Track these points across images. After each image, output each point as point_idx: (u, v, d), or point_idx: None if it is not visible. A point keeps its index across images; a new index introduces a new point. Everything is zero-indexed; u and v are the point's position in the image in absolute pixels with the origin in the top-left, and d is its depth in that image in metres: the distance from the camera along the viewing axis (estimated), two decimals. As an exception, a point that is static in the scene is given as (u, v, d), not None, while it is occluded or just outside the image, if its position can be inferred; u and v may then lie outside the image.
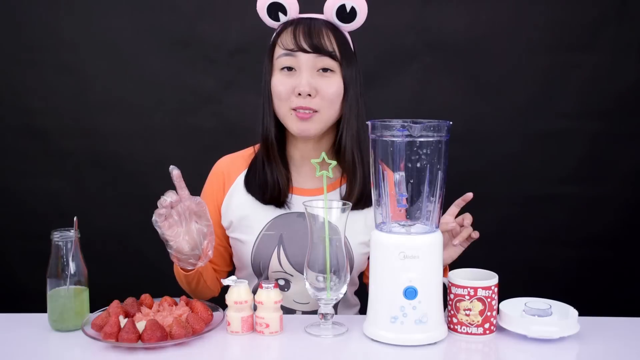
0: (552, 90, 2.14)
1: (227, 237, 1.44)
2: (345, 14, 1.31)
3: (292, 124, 1.32)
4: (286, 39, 1.29)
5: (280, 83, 1.31)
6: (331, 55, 1.29)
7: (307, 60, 1.28)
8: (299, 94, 1.28)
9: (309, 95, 1.28)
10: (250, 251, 1.36)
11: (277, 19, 1.33)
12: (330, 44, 1.29)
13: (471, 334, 1.13)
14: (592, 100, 2.14)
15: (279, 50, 1.31)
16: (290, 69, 1.30)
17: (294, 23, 1.31)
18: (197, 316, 1.13)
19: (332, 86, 1.30)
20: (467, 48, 2.13)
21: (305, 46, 1.27)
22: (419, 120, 1.10)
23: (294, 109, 1.30)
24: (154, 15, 2.13)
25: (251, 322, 1.16)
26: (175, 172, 1.20)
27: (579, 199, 2.17)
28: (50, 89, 2.15)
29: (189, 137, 2.18)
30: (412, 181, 1.13)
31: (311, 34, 1.28)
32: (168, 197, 1.18)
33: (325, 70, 1.30)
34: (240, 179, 1.41)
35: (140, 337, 1.08)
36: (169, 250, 1.22)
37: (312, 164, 1.37)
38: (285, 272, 1.36)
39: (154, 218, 1.18)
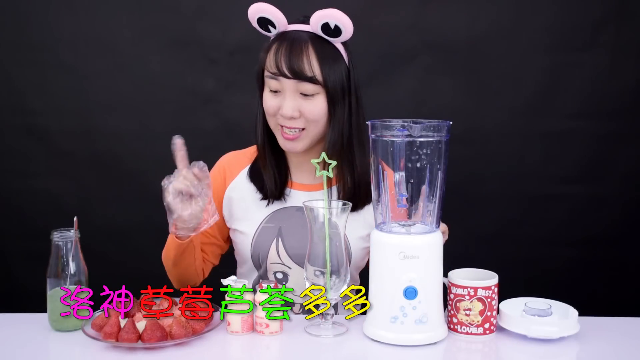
0: (552, 90, 2.14)
1: (222, 230, 1.46)
2: (331, 31, 1.30)
3: (280, 140, 1.36)
4: (270, 62, 1.31)
5: (269, 101, 1.34)
6: (311, 80, 1.29)
7: (289, 85, 1.30)
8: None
9: (293, 117, 1.31)
10: (250, 242, 1.39)
11: (268, 30, 1.34)
12: (310, 67, 1.28)
13: (471, 334, 1.13)
14: (592, 101, 2.14)
15: (266, 70, 1.33)
16: (276, 90, 1.33)
17: (278, 40, 1.32)
18: (197, 316, 1.13)
19: (316, 107, 1.31)
20: (467, 48, 2.13)
21: (286, 72, 1.28)
22: (419, 120, 1.10)
23: (282, 126, 1.33)
24: (154, 15, 2.13)
25: (251, 322, 1.16)
26: (178, 141, 1.24)
27: (579, 199, 2.17)
28: (50, 89, 2.15)
29: (189, 137, 2.16)
30: (412, 181, 1.13)
31: (291, 58, 1.28)
32: (178, 185, 1.20)
33: (307, 94, 1.31)
34: (242, 174, 1.44)
35: (140, 337, 1.08)
36: (170, 219, 1.23)
37: (309, 162, 1.39)
38: (283, 264, 1.37)
39: (167, 198, 1.20)
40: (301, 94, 1.30)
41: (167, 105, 2.17)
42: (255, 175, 1.43)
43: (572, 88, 2.13)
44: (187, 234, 1.27)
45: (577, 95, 2.14)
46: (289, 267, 1.38)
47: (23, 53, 2.13)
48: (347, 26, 1.28)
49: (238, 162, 1.47)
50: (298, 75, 1.28)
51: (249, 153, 1.48)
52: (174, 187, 1.20)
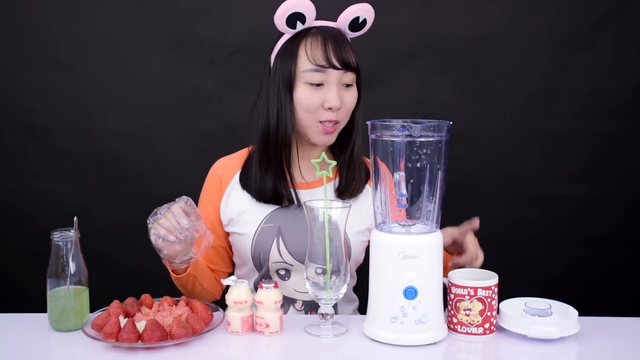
0: (552, 90, 2.14)
1: (226, 237, 1.45)
2: (357, 25, 1.36)
3: (316, 135, 1.36)
4: (316, 54, 1.31)
5: (309, 96, 1.32)
6: (355, 71, 1.35)
7: (335, 76, 1.32)
8: (329, 108, 1.32)
9: (339, 108, 1.33)
10: (250, 244, 1.38)
11: (294, 26, 1.33)
12: (352, 58, 1.34)
13: (471, 334, 1.13)
14: (592, 101, 2.14)
15: (307, 64, 1.31)
16: (320, 83, 1.33)
17: (319, 33, 1.33)
18: (197, 316, 1.13)
19: (353, 97, 1.37)
20: (467, 48, 2.13)
21: (336, 63, 1.31)
22: (419, 120, 1.10)
23: (321, 122, 1.34)
24: (154, 15, 2.13)
25: (251, 322, 1.16)
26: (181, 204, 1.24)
27: (579, 199, 2.17)
28: (50, 89, 2.15)
29: (189, 137, 2.18)
30: (412, 181, 1.13)
31: (340, 50, 1.32)
32: (183, 229, 1.21)
33: (349, 83, 1.35)
34: (236, 177, 1.43)
35: (140, 337, 1.08)
36: (161, 255, 1.26)
37: (307, 159, 1.41)
38: (285, 262, 1.37)
39: (151, 238, 1.22)
40: (342, 85, 1.34)
41: (167, 105, 2.17)
42: (247, 183, 1.41)
43: (572, 88, 2.13)
44: (181, 266, 1.29)
45: (577, 95, 2.14)
46: (291, 265, 1.38)
47: (23, 53, 2.13)
48: (371, 19, 1.37)
49: (230, 167, 1.45)
50: (347, 66, 1.32)
51: (242, 155, 1.47)
52: (155, 230, 1.22)
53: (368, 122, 1.15)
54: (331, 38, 1.32)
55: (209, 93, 2.17)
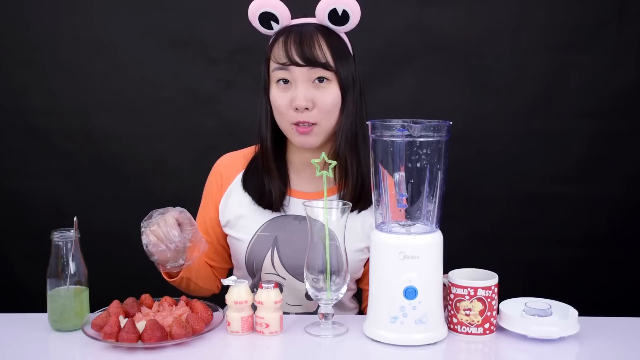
0: (551, 90, 2.14)
1: (225, 236, 1.44)
2: (338, 17, 1.27)
3: (294, 137, 1.30)
4: (279, 52, 1.26)
5: (278, 97, 1.28)
6: (325, 66, 1.25)
7: (301, 73, 1.25)
8: (297, 109, 1.26)
9: (306, 108, 1.26)
10: (245, 250, 1.36)
11: (269, 27, 1.30)
12: (323, 53, 1.25)
13: (471, 334, 1.13)
14: (591, 100, 2.14)
15: (273, 64, 1.29)
16: (286, 81, 1.28)
17: (285, 33, 1.28)
18: (197, 316, 1.13)
19: (329, 96, 1.27)
20: (467, 48, 2.13)
21: (298, 59, 1.24)
22: (419, 120, 1.10)
23: (294, 124, 1.28)
24: (153, 15, 2.13)
25: (251, 322, 1.16)
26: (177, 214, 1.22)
27: (578, 199, 2.17)
28: (50, 89, 2.15)
29: (189, 137, 2.18)
30: (412, 181, 1.13)
31: (302, 46, 1.24)
32: (173, 241, 1.18)
33: (320, 80, 1.27)
34: (239, 178, 1.41)
35: (140, 337, 1.08)
36: (151, 259, 1.24)
37: (311, 168, 1.34)
38: (278, 275, 1.35)
39: (143, 242, 1.20)
40: (314, 81, 1.26)
41: (167, 105, 2.17)
42: (248, 184, 1.38)
43: (572, 88, 2.13)
44: (173, 270, 1.28)
45: (577, 95, 2.14)
46: (284, 278, 1.35)
47: (23, 53, 2.14)
48: (354, 11, 1.27)
49: (234, 165, 1.43)
50: (311, 62, 1.24)
51: (248, 153, 1.43)
52: (147, 236, 1.20)
53: (368, 122, 1.15)
54: (295, 34, 1.25)
55: (209, 93, 2.17)
